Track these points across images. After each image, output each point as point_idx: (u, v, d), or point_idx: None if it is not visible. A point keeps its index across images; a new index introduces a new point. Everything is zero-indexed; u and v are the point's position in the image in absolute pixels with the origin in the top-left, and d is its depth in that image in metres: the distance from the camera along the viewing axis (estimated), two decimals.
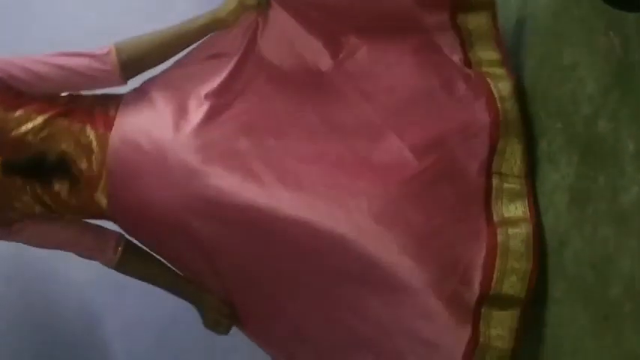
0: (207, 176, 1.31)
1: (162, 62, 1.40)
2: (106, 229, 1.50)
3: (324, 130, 1.39)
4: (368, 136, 1.40)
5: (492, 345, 1.36)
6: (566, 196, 1.34)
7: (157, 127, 1.33)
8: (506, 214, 1.42)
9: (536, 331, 1.42)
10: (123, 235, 1.50)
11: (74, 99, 1.39)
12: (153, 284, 1.54)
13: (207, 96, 1.35)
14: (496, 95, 1.43)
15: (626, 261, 1.13)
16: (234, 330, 1.61)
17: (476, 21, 1.47)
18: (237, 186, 1.30)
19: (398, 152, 1.38)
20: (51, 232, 1.45)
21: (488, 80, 1.45)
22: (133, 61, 1.33)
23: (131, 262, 1.50)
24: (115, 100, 1.39)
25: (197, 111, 1.34)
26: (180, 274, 1.53)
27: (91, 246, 1.48)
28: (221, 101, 1.36)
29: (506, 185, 1.43)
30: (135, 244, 1.51)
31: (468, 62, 1.49)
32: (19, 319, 1.92)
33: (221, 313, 1.52)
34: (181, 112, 1.34)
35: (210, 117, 1.34)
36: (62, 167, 1.32)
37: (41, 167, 1.30)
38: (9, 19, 2.04)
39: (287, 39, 1.40)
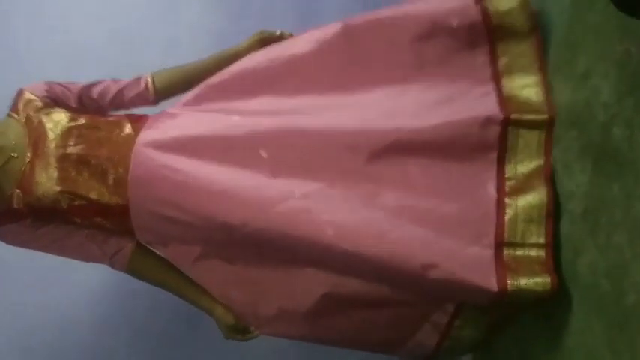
0: None
1: (187, 90, 1.61)
2: (115, 234, 1.53)
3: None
4: None
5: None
6: (580, 204, 1.33)
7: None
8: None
9: (549, 339, 1.41)
10: (133, 238, 1.52)
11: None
12: (167, 289, 1.56)
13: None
14: None
15: None
16: None
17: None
18: None
19: None
20: (67, 236, 1.50)
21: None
22: (164, 89, 1.61)
23: (143, 264, 1.53)
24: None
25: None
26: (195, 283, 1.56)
27: (102, 250, 1.52)
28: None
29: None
30: (146, 248, 1.53)
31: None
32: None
33: (229, 327, 1.54)
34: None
35: None
36: None
37: None
38: (21, 26, 2.07)
39: None
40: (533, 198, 1.41)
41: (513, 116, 1.42)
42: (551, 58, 1.51)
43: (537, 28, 1.49)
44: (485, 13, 1.47)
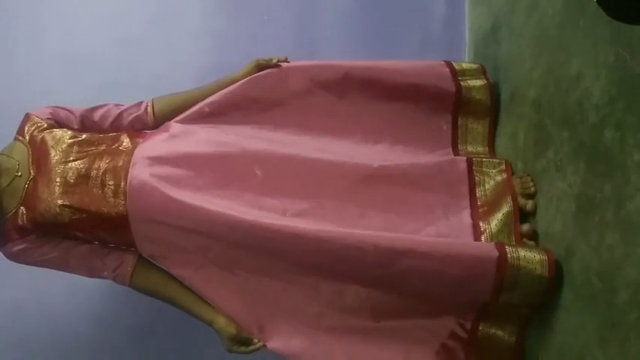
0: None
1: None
2: (117, 249, 1.56)
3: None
4: None
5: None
6: (572, 204, 1.35)
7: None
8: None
9: (543, 338, 1.43)
10: (135, 252, 1.55)
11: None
12: (169, 303, 1.57)
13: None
14: None
15: (633, 269, 1.14)
16: None
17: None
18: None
19: None
20: (70, 251, 1.53)
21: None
22: (163, 114, 1.65)
23: (145, 277, 1.55)
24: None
25: None
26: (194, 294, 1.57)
27: (104, 265, 1.55)
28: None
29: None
30: (148, 262, 1.55)
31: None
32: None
33: (231, 338, 1.53)
34: None
35: None
36: None
37: None
38: (24, 33, 2.08)
39: None
40: (503, 215, 1.57)
41: (475, 159, 1.68)
42: (544, 59, 1.53)
43: (494, 111, 1.76)
44: (458, 86, 1.73)
